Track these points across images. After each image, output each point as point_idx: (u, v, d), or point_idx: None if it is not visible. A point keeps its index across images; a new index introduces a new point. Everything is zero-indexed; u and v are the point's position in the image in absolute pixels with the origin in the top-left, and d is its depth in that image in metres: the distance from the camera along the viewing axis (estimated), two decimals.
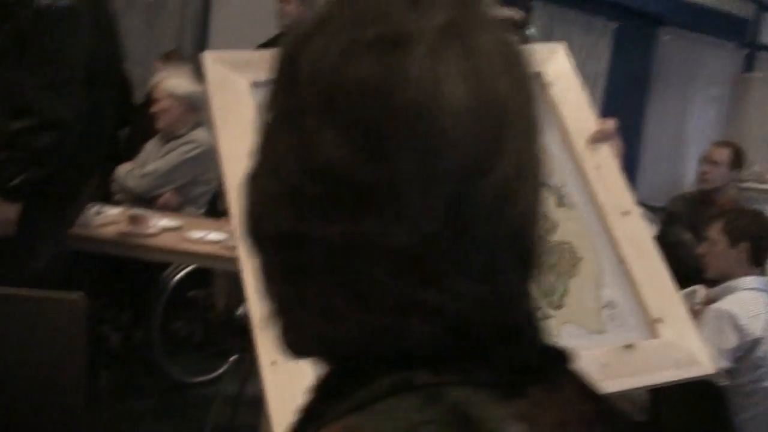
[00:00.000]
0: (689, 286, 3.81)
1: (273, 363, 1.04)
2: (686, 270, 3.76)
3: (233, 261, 2.50)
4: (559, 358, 0.53)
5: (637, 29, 5.79)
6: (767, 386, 2.43)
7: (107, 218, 2.67)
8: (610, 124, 1.38)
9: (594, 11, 5.33)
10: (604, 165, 1.34)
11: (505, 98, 0.49)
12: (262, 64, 1.33)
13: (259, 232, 0.53)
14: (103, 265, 2.81)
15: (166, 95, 3.19)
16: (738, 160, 4.16)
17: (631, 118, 5.65)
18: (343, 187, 0.48)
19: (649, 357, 1.20)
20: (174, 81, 3.27)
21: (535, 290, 0.51)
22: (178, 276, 2.94)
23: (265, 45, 4.06)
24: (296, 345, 0.54)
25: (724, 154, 4.07)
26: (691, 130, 6.51)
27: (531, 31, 4.42)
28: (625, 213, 1.31)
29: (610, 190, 1.33)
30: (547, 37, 5.26)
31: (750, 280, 2.50)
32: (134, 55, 4.24)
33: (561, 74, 1.42)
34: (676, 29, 6.20)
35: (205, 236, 2.57)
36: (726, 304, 2.43)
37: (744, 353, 2.38)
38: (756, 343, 2.37)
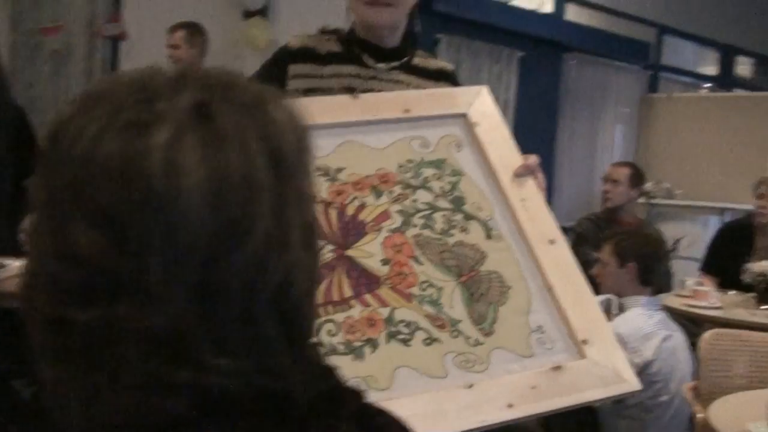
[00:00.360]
0: None
1: None
2: (596, 290, 3.91)
3: None
4: (346, 417, 0.55)
5: (542, 56, 5.98)
6: (664, 400, 2.55)
7: (13, 271, 2.63)
8: (533, 159, 1.45)
9: (499, 41, 5.50)
10: (529, 198, 1.40)
11: (252, 177, 0.51)
12: None
13: (27, 313, 0.53)
14: (12, 319, 2.77)
15: None
16: (637, 178, 4.37)
17: (543, 142, 5.82)
18: (96, 273, 0.49)
19: (576, 377, 1.24)
20: None
21: (315, 353, 0.56)
22: None
23: None
24: (70, 426, 0.53)
25: (623, 173, 4.29)
26: (600, 151, 6.73)
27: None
28: (551, 242, 1.36)
29: (536, 220, 1.38)
30: (456, 67, 5.40)
31: (639, 300, 2.63)
32: (41, 103, 4.22)
33: (485, 114, 1.48)
34: (581, 55, 6.43)
35: None
36: (615, 325, 2.55)
37: (637, 372, 2.49)
38: (647, 364, 2.49)
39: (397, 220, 1.35)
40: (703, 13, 7.37)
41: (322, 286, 1.24)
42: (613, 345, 1.29)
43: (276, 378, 0.53)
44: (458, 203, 1.39)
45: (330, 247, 1.29)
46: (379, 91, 1.66)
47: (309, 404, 0.54)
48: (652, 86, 7.21)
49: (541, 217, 1.39)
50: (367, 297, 1.26)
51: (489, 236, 1.36)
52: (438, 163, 1.43)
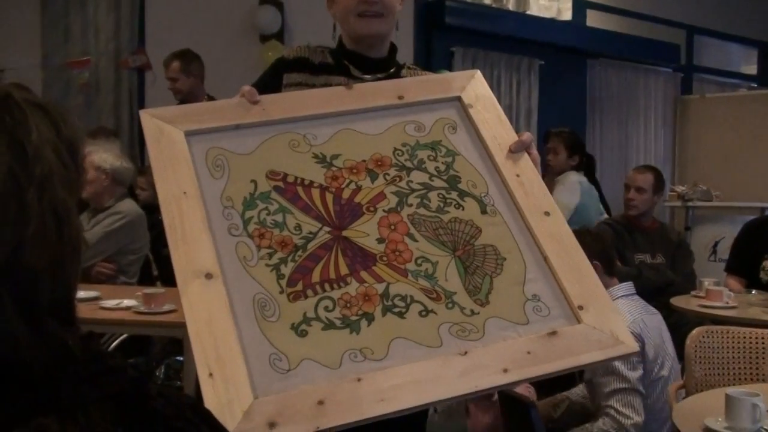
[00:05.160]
0: None
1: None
2: None
3: (147, 325, 2.64)
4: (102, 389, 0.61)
5: (564, 63, 5.99)
6: (664, 375, 2.54)
7: None
8: (527, 135, 1.48)
9: (517, 51, 5.54)
10: (524, 173, 1.43)
11: None
12: (193, 116, 1.42)
13: None
14: None
15: (92, 168, 3.36)
16: (660, 183, 4.29)
17: None
18: None
19: (572, 341, 1.25)
20: (101, 155, 3.44)
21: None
22: (112, 346, 3.06)
23: None
24: None
25: (648, 180, 4.16)
26: (634, 155, 6.68)
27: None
28: (546, 213, 1.39)
29: (531, 194, 1.41)
30: None
31: (618, 290, 2.64)
32: None
33: (479, 96, 1.52)
34: (605, 60, 6.41)
35: (120, 304, 2.71)
36: None
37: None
38: (642, 346, 2.50)
39: (392, 201, 1.37)
40: (734, 12, 7.28)
41: (319, 265, 1.28)
42: (611, 309, 1.31)
43: (4, 342, 0.59)
44: (453, 182, 1.42)
45: (326, 228, 1.32)
46: None
47: (46, 374, 0.60)
48: (686, 88, 7.14)
49: (535, 191, 1.41)
50: (363, 274, 1.28)
51: (484, 211, 1.39)
52: (433, 145, 1.46)
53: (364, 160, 1.42)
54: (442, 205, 1.39)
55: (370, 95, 1.50)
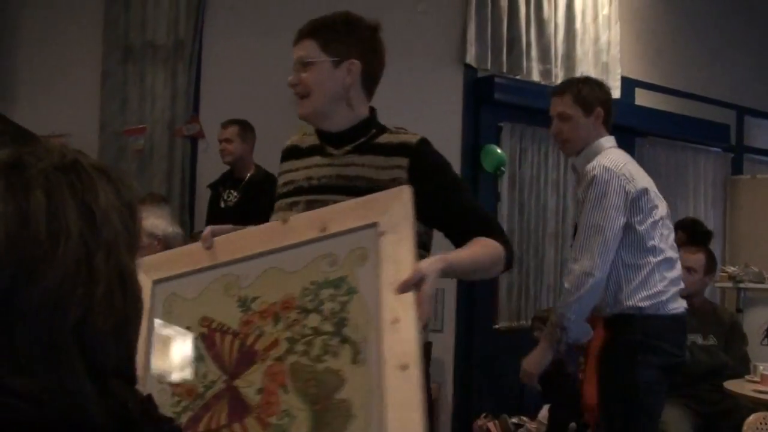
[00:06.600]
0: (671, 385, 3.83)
1: None
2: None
3: None
4: None
5: None
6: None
7: None
8: (413, 276, 1.42)
9: None
10: (403, 317, 1.39)
11: (56, 223, 0.59)
12: (164, 263, 1.53)
13: None
14: None
15: (145, 234, 3.41)
16: (712, 263, 4.20)
17: None
18: None
19: None
20: (153, 221, 3.50)
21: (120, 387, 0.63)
22: None
23: (213, 185, 4.46)
24: None
25: (699, 261, 4.08)
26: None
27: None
28: (404, 367, 1.35)
29: (399, 343, 1.37)
30: (521, 154, 5.48)
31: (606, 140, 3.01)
32: None
33: (395, 223, 1.49)
34: (654, 138, 6.39)
35: None
36: None
37: None
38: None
39: (282, 348, 1.43)
40: None
41: (208, 415, 1.37)
42: None
43: (74, 402, 0.59)
44: (340, 325, 1.43)
45: (224, 377, 1.42)
46: (333, 176, 1.77)
47: (119, 430, 0.60)
48: (736, 168, 7.06)
49: (405, 340, 1.37)
50: (235, 426, 1.37)
51: (355, 360, 1.40)
52: (338, 282, 1.47)
53: (275, 303, 1.49)
54: (321, 353, 1.43)
55: (300, 229, 1.55)
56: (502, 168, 5.07)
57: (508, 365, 4.63)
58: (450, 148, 5.01)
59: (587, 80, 3.06)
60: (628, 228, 2.69)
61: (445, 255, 1.58)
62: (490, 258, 1.73)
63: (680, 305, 2.77)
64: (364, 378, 1.39)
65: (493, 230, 1.76)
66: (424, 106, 4.88)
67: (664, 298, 2.72)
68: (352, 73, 1.80)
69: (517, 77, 5.39)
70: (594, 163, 2.75)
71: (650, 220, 2.73)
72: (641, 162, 6.30)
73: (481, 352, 5.04)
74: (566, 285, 2.64)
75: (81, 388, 0.60)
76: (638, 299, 2.66)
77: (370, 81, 1.85)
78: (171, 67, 4.72)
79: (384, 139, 1.82)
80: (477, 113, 5.14)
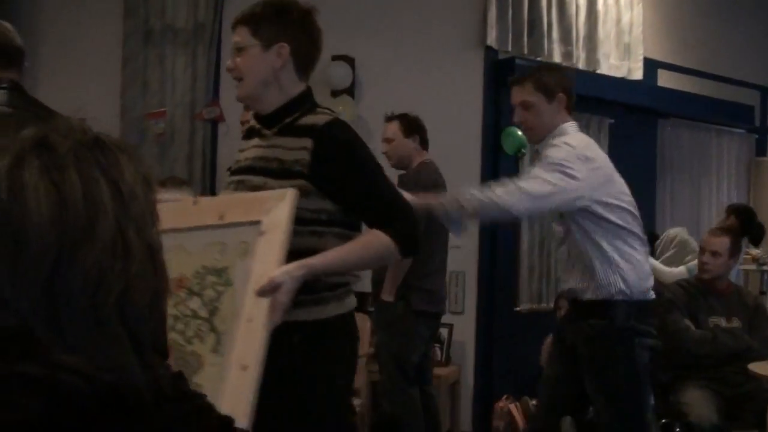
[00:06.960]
0: (689, 370, 3.80)
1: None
2: (688, 356, 3.77)
3: None
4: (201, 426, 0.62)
5: (634, 123, 5.92)
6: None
7: None
8: (272, 283, 1.49)
9: (586, 109, 5.50)
10: (256, 318, 1.46)
11: (93, 198, 0.60)
12: None
13: None
14: None
15: None
16: (736, 247, 4.14)
17: (641, 209, 5.70)
18: None
19: None
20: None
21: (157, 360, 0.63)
22: None
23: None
24: None
25: (723, 245, 4.01)
26: (705, 216, 6.52)
27: None
28: (244, 368, 1.41)
29: (245, 342, 1.44)
30: None
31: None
32: None
33: (275, 224, 1.55)
34: (677, 120, 6.32)
35: None
36: None
37: None
38: None
39: (167, 323, 1.47)
40: None
41: None
42: None
43: (123, 375, 0.60)
44: (213, 313, 1.50)
45: None
46: (258, 157, 1.83)
47: (155, 404, 0.61)
48: (760, 149, 6.97)
49: (251, 340, 1.43)
50: None
51: (215, 350, 1.47)
52: (221, 272, 1.54)
53: (172, 279, 1.52)
54: (193, 335, 1.49)
55: (204, 213, 1.63)
56: (523, 150, 5.04)
57: (529, 347, 4.64)
58: (470, 130, 4.99)
59: (548, 66, 3.12)
60: (606, 211, 2.73)
61: (307, 260, 1.61)
62: (375, 253, 1.78)
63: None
64: (216, 368, 1.45)
65: (391, 218, 1.78)
66: (444, 89, 4.86)
67: (649, 282, 2.79)
68: (282, 56, 1.86)
69: (539, 59, 5.34)
70: (556, 141, 2.77)
71: (621, 203, 2.78)
72: (663, 144, 6.29)
73: (502, 334, 5.04)
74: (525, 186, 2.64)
75: (129, 362, 0.61)
76: (630, 284, 2.69)
77: (303, 63, 1.90)
78: (191, 51, 4.73)
79: (304, 120, 1.85)
80: (498, 95, 5.10)
